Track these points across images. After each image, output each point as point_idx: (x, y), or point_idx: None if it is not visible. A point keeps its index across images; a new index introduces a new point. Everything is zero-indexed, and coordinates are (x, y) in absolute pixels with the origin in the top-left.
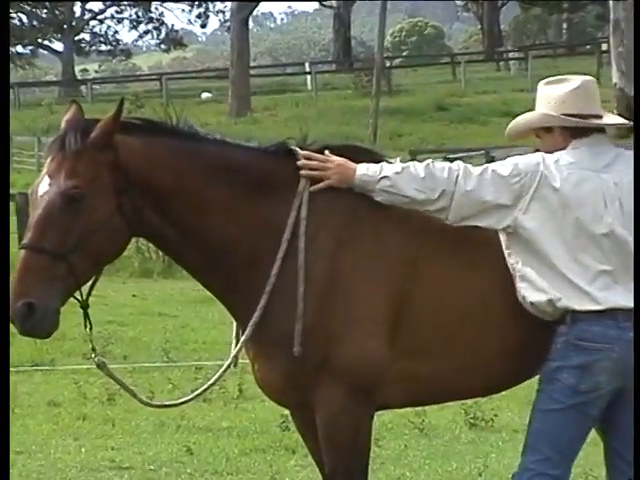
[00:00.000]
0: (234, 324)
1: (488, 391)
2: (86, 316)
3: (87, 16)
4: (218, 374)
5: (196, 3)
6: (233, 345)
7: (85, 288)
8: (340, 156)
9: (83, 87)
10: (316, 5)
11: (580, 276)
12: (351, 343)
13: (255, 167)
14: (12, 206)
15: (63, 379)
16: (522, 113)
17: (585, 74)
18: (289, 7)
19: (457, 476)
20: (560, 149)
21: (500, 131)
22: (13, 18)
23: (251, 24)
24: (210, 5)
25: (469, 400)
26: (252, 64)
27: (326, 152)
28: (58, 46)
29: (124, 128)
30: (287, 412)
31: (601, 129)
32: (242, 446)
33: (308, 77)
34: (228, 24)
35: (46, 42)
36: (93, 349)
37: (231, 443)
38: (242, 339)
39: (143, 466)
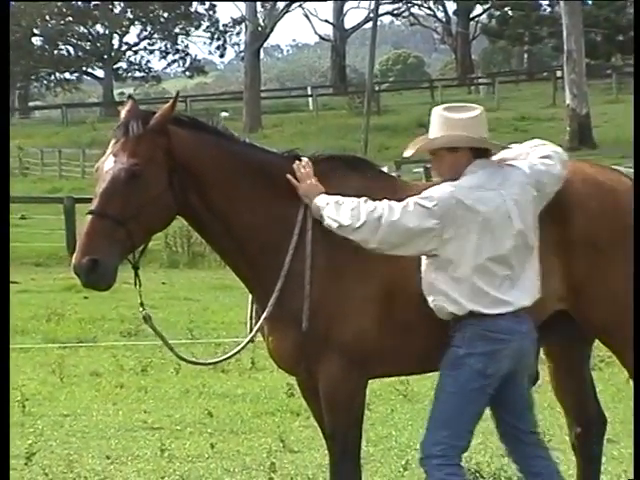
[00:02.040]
0: (249, 302)
1: None
2: (137, 276)
3: (124, 48)
4: (243, 344)
5: (215, 37)
6: (248, 320)
7: (136, 253)
8: (344, 164)
9: (121, 108)
10: (316, 39)
11: (491, 285)
12: (349, 322)
13: (276, 168)
14: (61, 207)
15: (103, 353)
16: (490, 129)
17: (543, 97)
18: (294, 40)
19: None
20: (458, 169)
21: None
22: (61, 49)
23: (262, 54)
24: (227, 38)
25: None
26: (262, 88)
27: (311, 165)
28: (99, 73)
29: (175, 120)
30: (292, 380)
31: (489, 154)
32: (254, 410)
33: (310, 99)
34: (242, 54)
35: (89, 70)
36: (141, 304)
37: (245, 407)
38: (263, 316)
39: (171, 426)
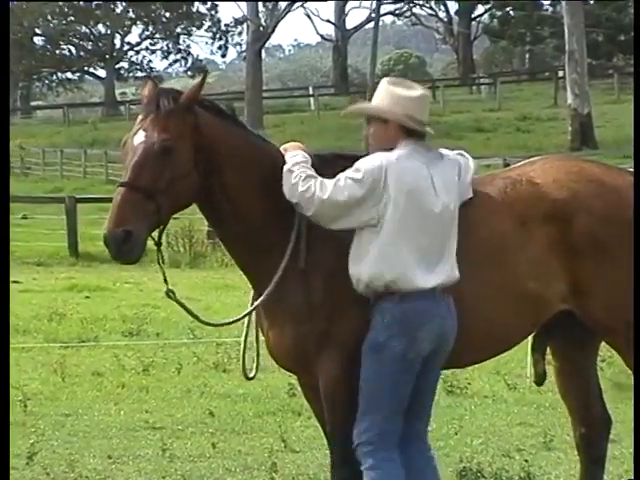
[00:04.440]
0: (251, 294)
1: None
2: (159, 251)
3: (126, 47)
4: (251, 308)
5: (217, 36)
6: (249, 306)
7: (155, 235)
8: (346, 163)
9: (122, 107)
10: (318, 39)
11: (414, 258)
12: (348, 320)
13: (282, 163)
14: (62, 207)
15: (105, 353)
16: (491, 129)
17: (545, 97)
18: (295, 40)
19: (436, 435)
20: (388, 143)
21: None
22: (63, 49)
23: (263, 54)
24: (229, 38)
25: (447, 370)
26: (264, 88)
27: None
28: (101, 73)
29: (200, 103)
30: (294, 380)
31: (422, 137)
32: (256, 409)
33: (311, 99)
34: (244, 54)
35: (91, 69)
36: (165, 280)
37: (246, 407)
38: (256, 302)
39: (172, 426)
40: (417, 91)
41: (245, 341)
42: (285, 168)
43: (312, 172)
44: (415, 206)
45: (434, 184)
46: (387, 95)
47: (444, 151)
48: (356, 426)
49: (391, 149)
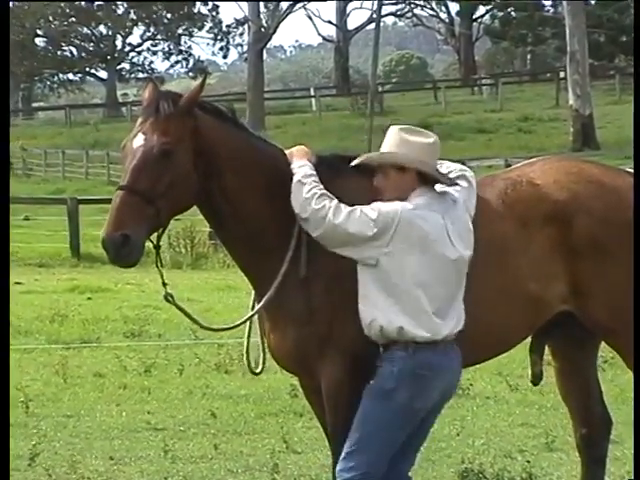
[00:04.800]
0: (252, 295)
1: None
2: (158, 255)
3: (127, 49)
4: (252, 313)
5: (218, 38)
6: (250, 309)
7: (153, 237)
8: (347, 164)
9: (124, 108)
10: (320, 40)
11: (430, 306)
12: (350, 322)
13: (284, 165)
14: (64, 208)
15: (107, 354)
16: (493, 129)
17: (546, 98)
18: (297, 41)
19: (439, 435)
20: (402, 191)
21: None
22: (65, 50)
23: (265, 55)
24: (230, 39)
25: None
26: (266, 89)
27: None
28: (103, 74)
29: (200, 106)
30: (296, 382)
31: (434, 182)
32: (257, 410)
33: (313, 100)
34: (246, 55)
35: (93, 71)
36: (164, 284)
37: (248, 408)
38: (256, 308)
39: (174, 427)
40: (430, 138)
41: (248, 339)
42: (295, 179)
43: (325, 191)
44: (432, 255)
45: (449, 233)
46: (402, 143)
47: (449, 167)
48: (342, 461)
49: (406, 197)
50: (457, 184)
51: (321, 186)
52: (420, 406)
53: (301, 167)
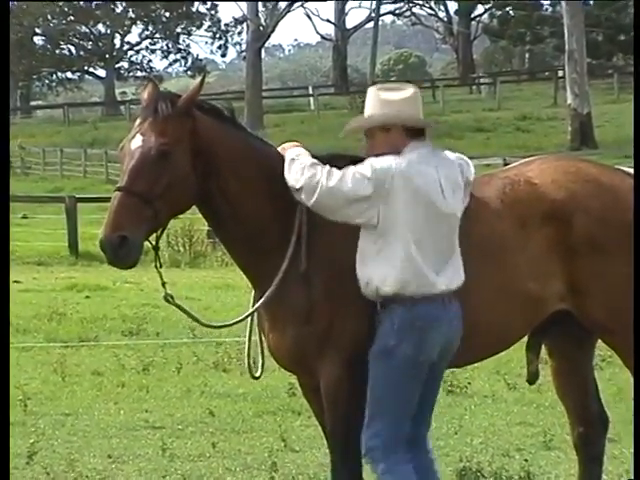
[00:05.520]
0: (252, 294)
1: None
2: (157, 256)
3: (126, 47)
4: (251, 310)
5: (217, 36)
6: (250, 306)
7: (152, 238)
8: (347, 163)
9: (122, 107)
10: (318, 38)
11: (425, 261)
12: (349, 321)
13: (282, 166)
14: (62, 207)
15: (105, 353)
16: (491, 128)
17: (545, 96)
18: (295, 40)
19: (437, 434)
20: (393, 148)
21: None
22: (63, 49)
23: (263, 54)
24: (229, 38)
25: (447, 370)
26: (264, 88)
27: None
28: (101, 72)
29: (197, 105)
30: (294, 380)
31: (424, 134)
32: (256, 409)
33: (311, 99)
34: (244, 54)
35: (91, 69)
36: (163, 284)
37: (246, 407)
38: (256, 305)
39: (172, 426)
40: (408, 91)
41: (249, 341)
42: (288, 158)
43: (316, 160)
44: (426, 209)
45: (442, 186)
46: (380, 103)
47: (447, 153)
48: (365, 431)
49: (398, 154)
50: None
51: (313, 160)
52: (425, 358)
53: (294, 150)
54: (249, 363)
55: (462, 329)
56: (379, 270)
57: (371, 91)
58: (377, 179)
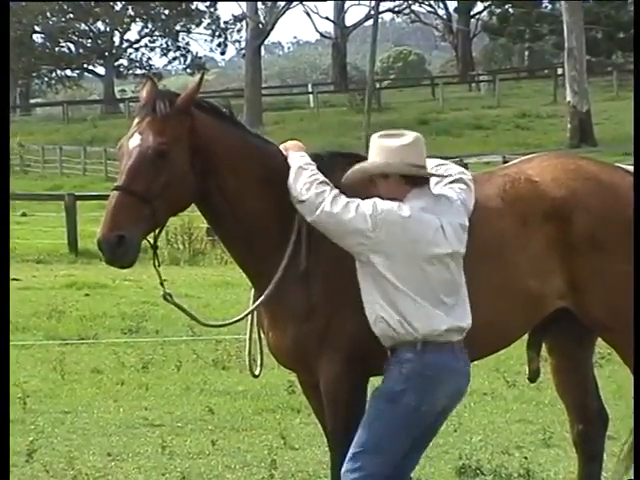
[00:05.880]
0: (251, 292)
1: None
2: (155, 255)
3: (125, 45)
4: (250, 308)
5: (216, 34)
6: (250, 304)
7: (151, 237)
8: (345, 161)
9: (121, 105)
10: (317, 36)
11: (433, 302)
12: (349, 319)
13: (282, 163)
14: (62, 204)
15: (104, 350)
16: (490, 126)
17: (544, 94)
18: (294, 37)
19: None
20: (392, 196)
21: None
22: (62, 47)
23: (263, 51)
24: (228, 35)
25: None
26: (263, 85)
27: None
28: (100, 70)
29: (197, 104)
30: (293, 378)
31: (426, 180)
32: (255, 407)
33: (311, 96)
34: (244, 52)
35: (90, 67)
36: (161, 283)
37: (246, 404)
38: (256, 303)
39: (172, 423)
40: (408, 137)
41: (250, 339)
42: (295, 165)
43: (326, 179)
44: (423, 257)
45: (445, 233)
46: (380, 149)
47: (448, 170)
48: (348, 461)
49: (401, 200)
50: (452, 181)
51: (322, 176)
52: (428, 409)
53: (301, 157)
54: (250, 361)
55: (469, 379)
56: (383, 307)
57: (373, 138)
58: (378, 218)
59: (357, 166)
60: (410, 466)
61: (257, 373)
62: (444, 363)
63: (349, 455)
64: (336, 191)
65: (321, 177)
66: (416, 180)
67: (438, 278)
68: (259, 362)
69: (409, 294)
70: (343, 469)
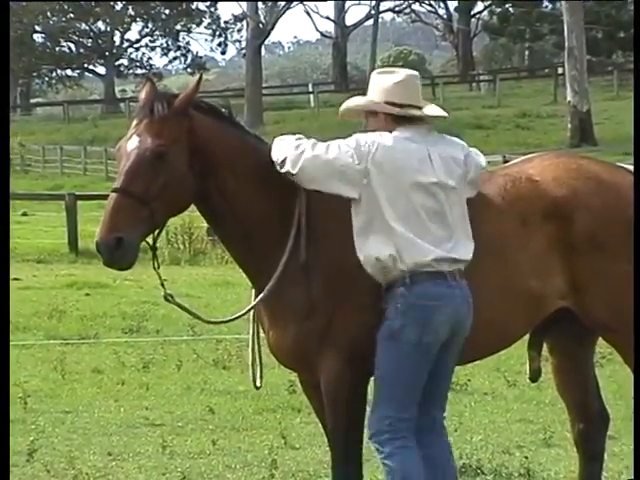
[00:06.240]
0: (252, 291)
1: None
2: (155, 257)
3: (125, 45)
4: (252, 304)
5: (217, 33)
6: (252, 299)
7: (148, 239)
8: None
9: (122, 104)
10: (318, 36)
11: (417, 234)
12: (349, 318)
13: None
14: (62, 204)
15: (105, 350)
16: (491, 125)
17: (544, 94)
18: (295, 37)
19: None
20: (381, 131)
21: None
22: (63, 46)
23: (263, 51)
24: (229, 35)
25: None
26: (264, 85)
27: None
28: (101, 70)
29: (195, 105)
30: (294, 377)
31: (422, 119)
32: (256, 406)
33: (311, 96)
34: (244, 51)
35: (91, 66)
36: (162, 284)
37: (246, 404)
38: (257, 299)
39: (172, 423)
40: (397, 75)
41: (253, 352)
42: (274, 142)
43: (302, 136)
44: (411, 183)
45: (432, 160)
46: (372, 86)
47: (451, 138)
48: (371, 415)
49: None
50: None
51: (301, 137)
52: (429, 340)
53: (279, 138)
54: (254, 373)
55: (471, 310)
56: (374, 244)
57: (372, 74)
58: (360, 151)
59: (344, 104)
60: (438, 411)
61: (259, 385)
62: (436, 292)
63: (371, 409)
64: (312, 140)
65: (298, 137)
66: (406, 119)
67: (425, 207)
68: (259, 374)
69: (396, 225)
70: (368, 422)
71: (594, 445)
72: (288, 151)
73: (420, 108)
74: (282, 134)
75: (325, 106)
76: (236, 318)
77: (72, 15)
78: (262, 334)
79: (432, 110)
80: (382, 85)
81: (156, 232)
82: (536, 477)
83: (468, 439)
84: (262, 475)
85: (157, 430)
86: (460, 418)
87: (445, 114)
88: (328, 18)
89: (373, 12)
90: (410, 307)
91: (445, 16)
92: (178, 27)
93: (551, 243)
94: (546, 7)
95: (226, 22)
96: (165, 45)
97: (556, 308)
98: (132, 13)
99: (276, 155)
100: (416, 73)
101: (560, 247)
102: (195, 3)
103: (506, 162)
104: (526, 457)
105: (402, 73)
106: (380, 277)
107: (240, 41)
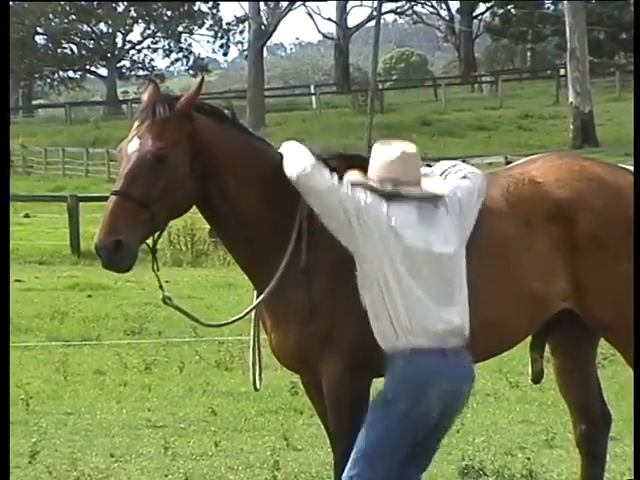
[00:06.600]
0: (254, 293)
1: None
2: (154, 259)
3: (127, 46)
4: (252, 306)
5: (219, 35)
6: (254, 301)
7: (148, 241)
8: (349, 162)
9: (124, 106)
10: (320, 37)
11: (429, 298)
12: (351, 321)
13: (283, 166)
14: (64, 206)
15: (107, 352)
16: (493, 127)
17: (546, 95)
18: (297, 38)
19: None
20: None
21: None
22: (65, 48)
23: (265, 53)
24: (231, 37)
25: None
26: (266, 86)
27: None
28: (103, 71)
29: (197, 107)
30: (296, 379)
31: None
32: (258, 408)
33: (313, 97)
34: (246, 53)
35: (93, 68)
36: (161, 287)
37: (248, 405)
38: (257, 300)
39: (174, 425)
40: (394, 154)
41: (253, 354)
42: (290, 148)
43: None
44: (405, 249)
45: (427, 231)
46: (372, 159)
47: (459, 171)
48: (348, 468)
49: None
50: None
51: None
52: (420, 413)
53: (288, 144)
54: (255, 375)
55: (470, 386)
56: (388, 321)
57: (374, 146)
58: (360, 206)
59: (344, 178)
60: (416, 472)
61: (259, 387)
62: (435, 367)
63: (349, 462)
64: (325, 167)
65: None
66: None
67: (430, 278)
68: (258, 375)
69: (399, 297)
70: (344, 475)
71: (596, 446)
72: (302, 154)
73: (418, 183)
74: (287, 139)
75: (327, 107)
76: (234, 321)
77: (74, 16)
78: (264, 336)
79: (426, 187)
80: (380, 161)
81: (156, 235)
82: (538, 478)
83: (470, 440)
84: (264, 477)
85: (159, 431)
86: (462, 419)
87: (442, 194)
88: (330, 19)
89: (375, 13)
90: (406, 380)
91: (447, 17)
92: (180, 29)
93: (555, 245)
94: (548, 8)
95: (228, 24)
96: (167, 47)
97: (559, 309)
98: (134, 15)
99: (287, 168)
100: (413, 150)
101: (563, 248)
102: (197, 5)
103: (508, 163)
104: (528, 458)
105: (398, 150)
106: (384, 346)
107: (242, 43)
